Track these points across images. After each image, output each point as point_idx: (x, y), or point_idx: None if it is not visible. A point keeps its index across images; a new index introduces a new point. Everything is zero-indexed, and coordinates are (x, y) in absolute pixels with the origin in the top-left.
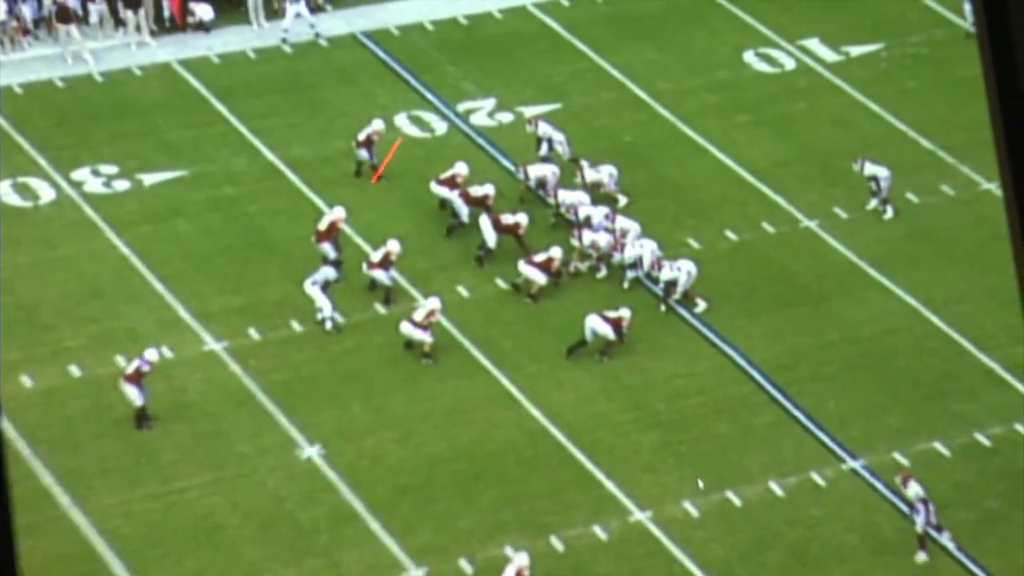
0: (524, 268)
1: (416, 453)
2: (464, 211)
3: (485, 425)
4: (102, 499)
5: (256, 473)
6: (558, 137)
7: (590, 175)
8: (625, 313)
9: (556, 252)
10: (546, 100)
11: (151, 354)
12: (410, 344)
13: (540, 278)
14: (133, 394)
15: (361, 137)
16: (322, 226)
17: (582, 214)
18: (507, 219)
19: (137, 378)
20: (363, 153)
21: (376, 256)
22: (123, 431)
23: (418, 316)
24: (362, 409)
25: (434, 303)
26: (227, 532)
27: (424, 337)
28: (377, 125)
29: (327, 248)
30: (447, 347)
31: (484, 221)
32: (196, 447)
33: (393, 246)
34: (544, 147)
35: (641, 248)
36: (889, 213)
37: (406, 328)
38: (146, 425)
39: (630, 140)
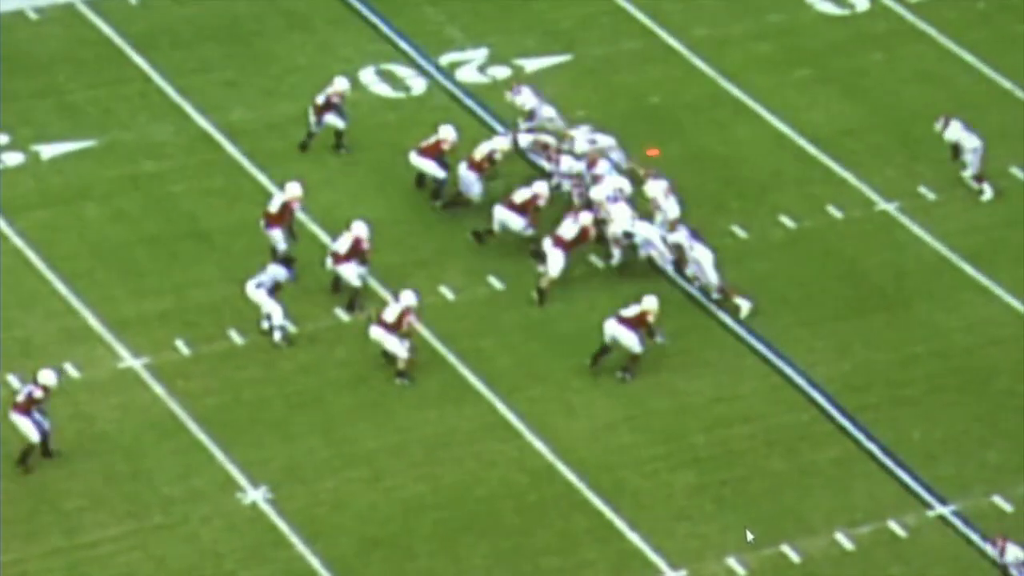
0: (546, 249)
1: (388, 498)
2: (476, 188)
3: (475, 463)
4: None
5: (186, 523)
6: (547, 112)
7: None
8: (649, 305)
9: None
10: (551, 51)
11: (46, 377)
12: (388, 354)
13: (556, 264)
14: (26, 428)
15: (319, 100)
16: (273, 208)
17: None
18: (523, 194)
19: (28, 407)
20: (319, 120)
21: (341, 246)
22: (15, 471)
23: (390, 316)
24: (320, 442)
25: (409, 298)
26: None
27: (398, 350)
28: (340, 85)
29: (277, 236)
30: (427, 363)
31: (499, 209)
32: (109, 490)
33: (360, 230)
34: (530, 122)
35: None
36: (988, 194)
37: (377, 333)
38: (46, 459)
39: (658, 102)
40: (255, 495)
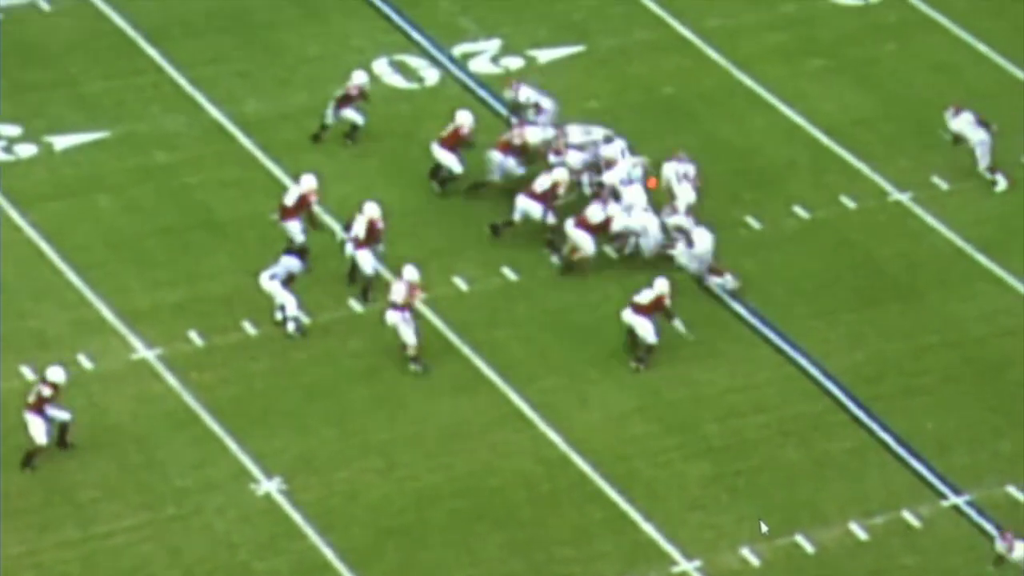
0: (569, 230)
1: (402, 488)
2: (499, 166)
3: (489, 453)
4: (7, 547)
5: (200, 514)
6: (547, 105)
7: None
8: (662, 287)
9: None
10: (564, 42)
11: (54, 374)
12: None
13: (587, 244)
14: (36, 429)
15: (339, 93)
16: (289, 201)
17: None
18: (543, 182)
19: (39, 406)
20: (336, 113)
21: (358, 229)
22: (24, 471)
23: (398, 296)
24: (333, 433)
25: (412, 274)
26: None
27: (409, 337)
28: (358, 78)
29: (294, 228)
30: (441, 354)
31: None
32: (123, 481)
33: (372, 211)
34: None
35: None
36: (1002, 184)
37: (393, 318)
38: (62, 450)
39: (672, 92)
40: (269, 486)
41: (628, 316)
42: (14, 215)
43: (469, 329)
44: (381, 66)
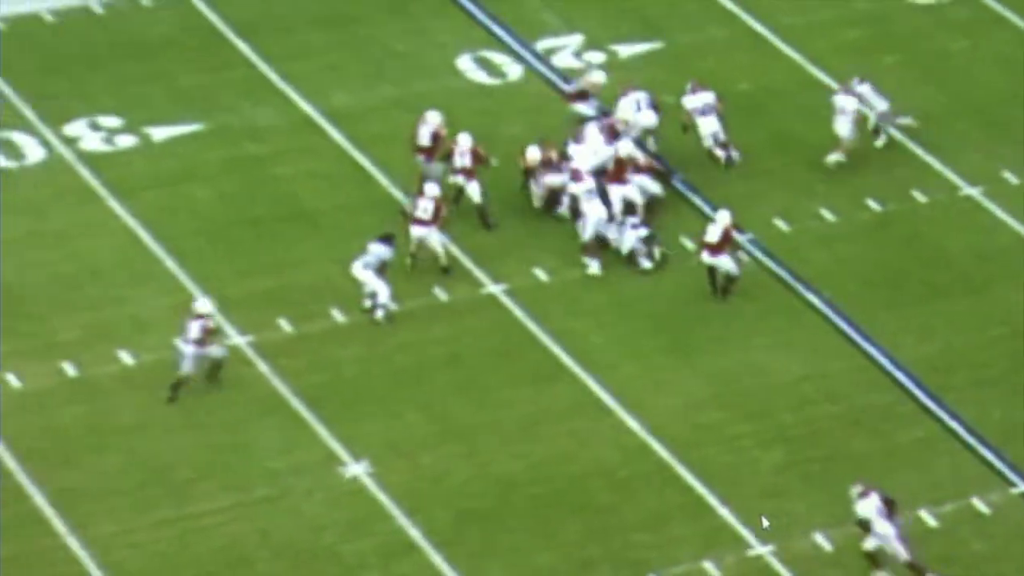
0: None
1: (484, 473)
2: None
3: (569, 440)
4: (103, 526)
5: (289, 496)
6: (647, 119)
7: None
8: (724, 219)
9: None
10: (643, 37)
11: (203, 305)
12: (445, 268)
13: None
14: (189, 360)
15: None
16: (423, 140)
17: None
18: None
19: (204, 342)
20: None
21: (462, 158)
22: (128, 443)
23: (425, 213)
24: (419, 418)
25: (432, 190)
26: (254, 568)
27: (438, 246)
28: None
29: (435, 170)
30: (521, 344)
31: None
32: (216, 463)
33: (465, 141)
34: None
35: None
36: None
37: (419, 232)
38: (211, 383)
39: (746, 88)
40: (356, 469)
41: (705, 257)
42: (114, 204)
43: (548, 319)
44: (465, 62)
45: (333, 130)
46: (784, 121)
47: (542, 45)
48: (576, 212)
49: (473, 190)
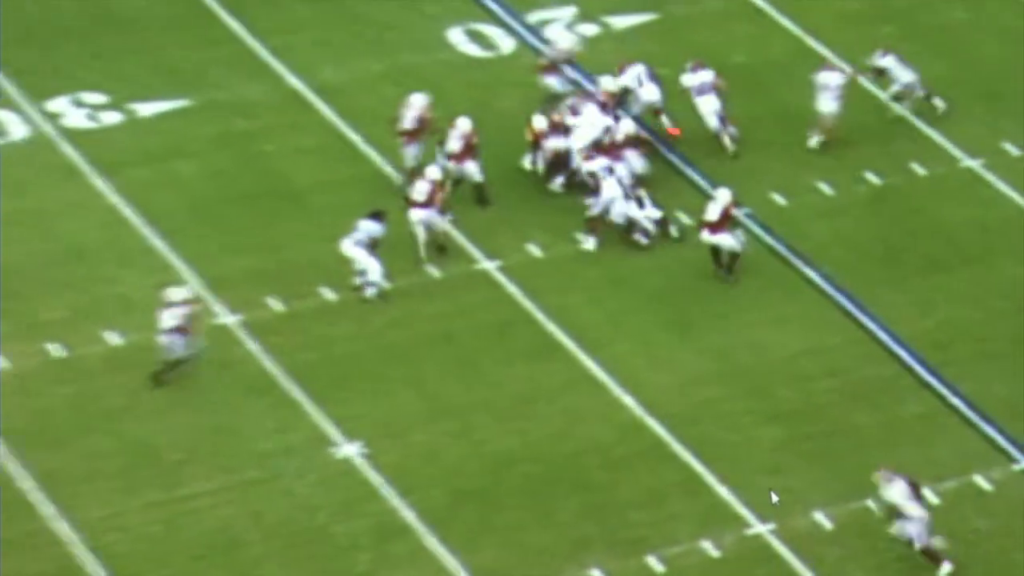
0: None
1: (478, 451)
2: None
3: (563, 417)
4: (92, 509)
5: (281, 477)
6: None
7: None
8: (724, 197)
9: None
10: (638, 8)
11: (177, 294)
12: (441, 247)
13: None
14: (176, 346)
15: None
16: (408, 124)
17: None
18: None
19: (184, 330)
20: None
21: (454, 143)
22: (115, 425)
23: (420, 195)
24: (411, 397)
25: (434, 172)
26: (246, 550)
27: (439, 224)
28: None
29: (412, 153)
30: (515, 320)
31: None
32: (205, 445)
33: (465, 124)
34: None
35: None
36: (933, 104)
37: (417, 215)
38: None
39: (743, 60)
40: (348, 449)
41: (706, 236)
42: (98, 182)
43: (542, 295)
44: (456, 35)
45: (323, 105)
46: (782, 94)
47: (534, 17)
48: (588, 188)
49: (472, 169)
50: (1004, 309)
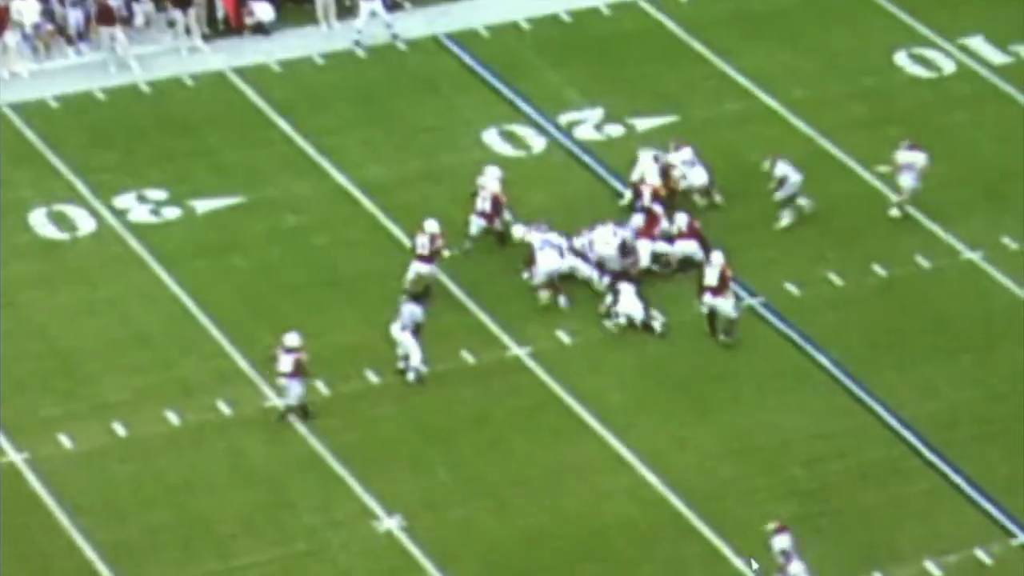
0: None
1: (512, 526)
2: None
3: (592, 494)
4: None
5: (327, 549)
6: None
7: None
8: (718, 260)
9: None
10: (660, 111)
11: (292, 339)
12: (427, 290)
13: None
14: (296, 391)
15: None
16: (485, 205)
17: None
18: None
19: (298, 372)
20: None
21: (483, 203)
22: (175, 499)
23: (424, 249)
24: (449, 474)
25: (432, 226)
26: None
27: (431, 271)
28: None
29: (478, 222)
30: (545, 403)
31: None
32: (258, 518)
33: (493, 178)
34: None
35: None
36: (786, 220)
37: (420, 268)
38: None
39: (759, 159)
40: (390, 523)
41: (707, 300)
42: (160, 272)
43: (571, 378)
44: (491, 136)
45: (367, 201)
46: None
47: (564, 119)
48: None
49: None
50: (1004, 392)
